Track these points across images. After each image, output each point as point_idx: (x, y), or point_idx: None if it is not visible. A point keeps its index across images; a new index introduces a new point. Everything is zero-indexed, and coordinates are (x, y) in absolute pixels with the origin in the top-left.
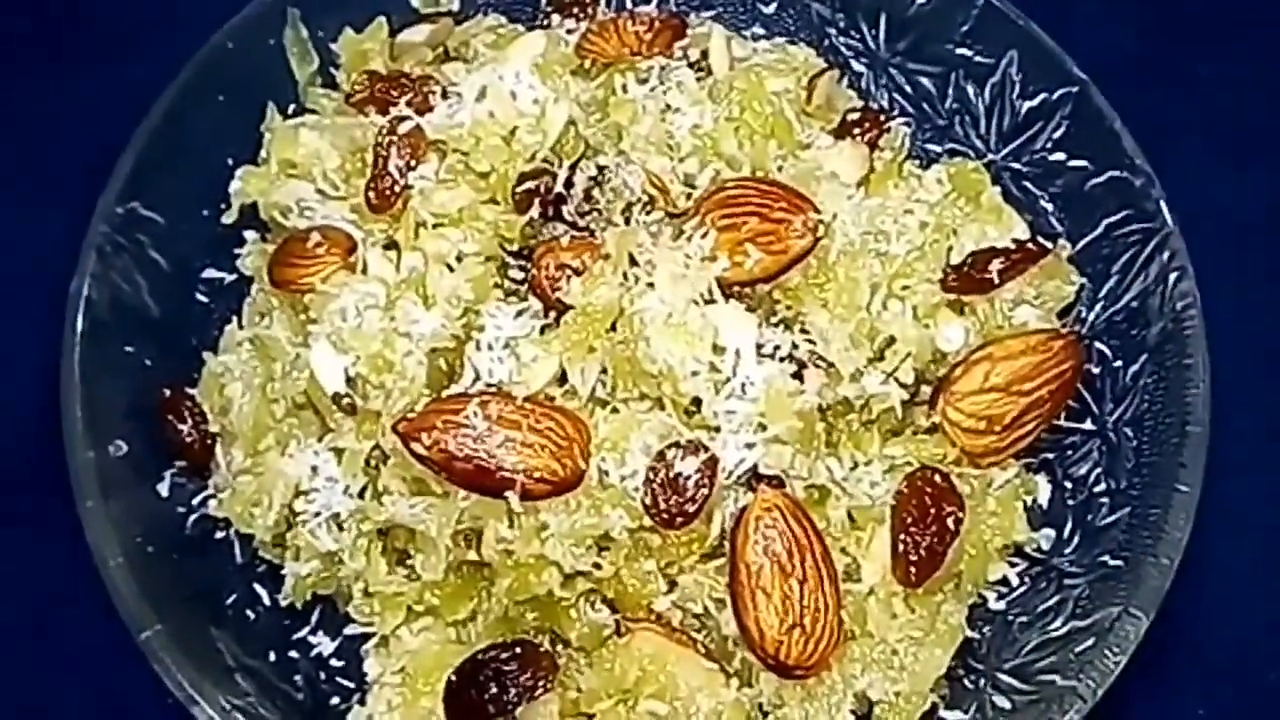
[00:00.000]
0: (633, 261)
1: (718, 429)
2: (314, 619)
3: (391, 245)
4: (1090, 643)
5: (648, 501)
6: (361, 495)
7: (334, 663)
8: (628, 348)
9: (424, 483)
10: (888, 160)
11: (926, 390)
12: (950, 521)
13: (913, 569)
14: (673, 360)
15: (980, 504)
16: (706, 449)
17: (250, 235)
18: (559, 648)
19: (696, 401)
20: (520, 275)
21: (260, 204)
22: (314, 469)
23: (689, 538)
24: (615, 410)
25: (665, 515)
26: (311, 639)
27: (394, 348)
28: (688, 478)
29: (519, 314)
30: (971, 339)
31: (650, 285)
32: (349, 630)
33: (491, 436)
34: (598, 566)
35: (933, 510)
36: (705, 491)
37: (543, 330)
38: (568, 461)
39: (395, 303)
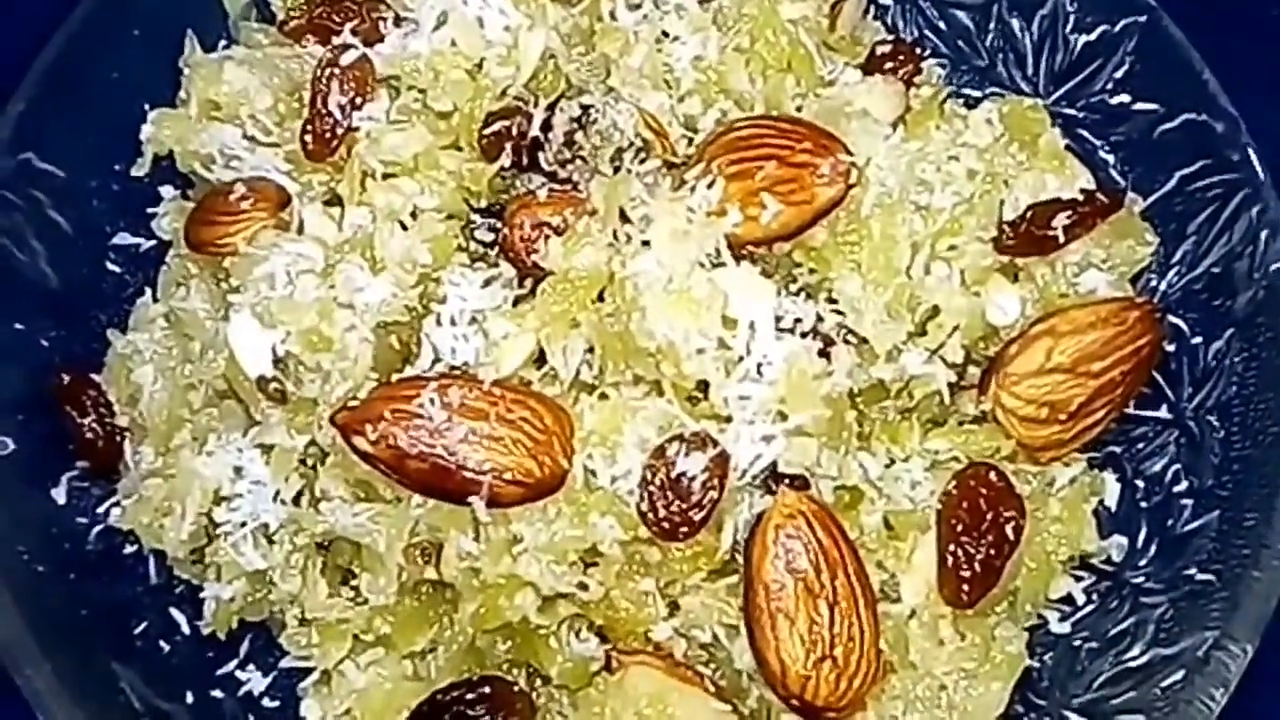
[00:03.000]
0: (624, 218)
1: (729, 419)
2: (242, 651)
3: (334, 201)
4: (1178, 676)
5: (644, 507)
6: (296, 502)
7: (266, 703)
8: (619, 320)
9: (370, 486)
10: (926, 99)
11: (974, 373)
12: (1009, 529)
13: (964, 586)
14: (674, 334)
15: (1041, 507)
16: (715, 443)
17: (167, 192)
18: (537, 685)
19: (703, 386)
20: (489, 237)
21: (177, 154)
22: (237, 470)
23: (694, 551)
24: (604, 397)
25: (666, 524)
26: (240, 675)
27: (333, 321)
28: (693, 478)
29: (487, 282)
30: (1029, 310)
31: (646, 244)
32: (284, 664)
33: (452, 429)
34: (583, 587)
35: (988, 515)
36: (714, 495)
37: (516, 302)
38: (546, 459)
39: (335, 267)
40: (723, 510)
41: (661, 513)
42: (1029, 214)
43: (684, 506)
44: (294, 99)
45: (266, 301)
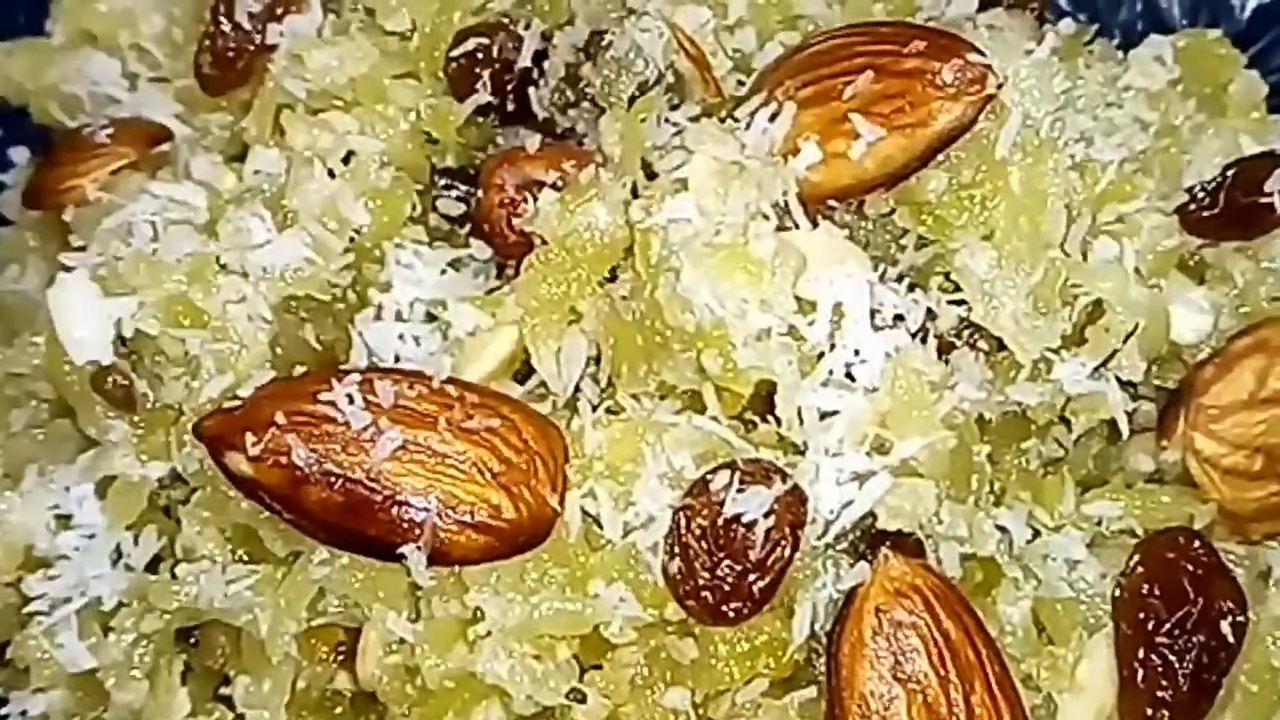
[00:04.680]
0: (648, 173)
1: (802, 449)
2: None
3: (240, 157)
4: None
5: (675, 571)
6: (152, 568)
7: None
8: (639, 299)
9: (253, 538)
10: (1069, 35)
11: (1148, 410)
12: (1226, 626)
13: (1162, 715)
14: (721, 307)
15: (1258, 603)
16: (785, 475)
17: (19, 155)
18: None
19: (765, 397)
20: (457, 210)
21: (31, 99)
22: (60, 519)
23: (751, 645)
24: (616, 411)
25: (708, 597)
26: None
27: (211, 289)
28: (751, 526)
29: (452, 266)
30: (1223, 323)
31: (682, 186)
32: None
33: (379, 441)
34: (579, 699)
35: (1196, 604)
36: (784, 553)
37: (491, 292)
38: (523, 492)
39: (224, 219)
40: (795, 582)
41: (702, 579)
42: (1229, 175)
43: (737, 569)
44: (197, 22)
45: (113, 260)
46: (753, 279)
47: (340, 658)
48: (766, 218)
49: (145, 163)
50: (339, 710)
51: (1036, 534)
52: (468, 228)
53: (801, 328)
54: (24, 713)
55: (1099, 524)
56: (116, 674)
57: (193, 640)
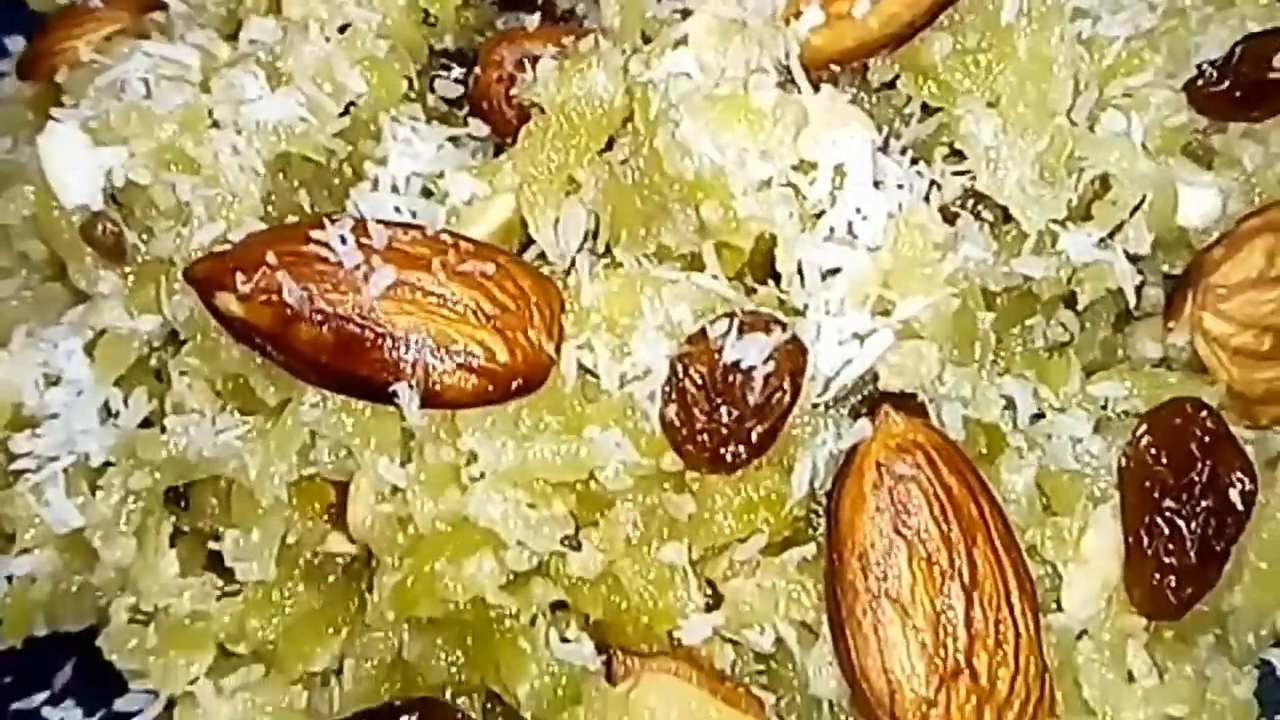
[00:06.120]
0: (647, 40)
1: (803, 311)
2: (57, 682)
3: (234, 35)
4: None
5: (673, 418)
6: (145, 425)
7: None
8: (639, 155)
9: (245, 391)
10: None
11: (1154, 296)
12: (1235, 494)
13: (1170, 584)
14: (722, 156)
15: (1266, 489)
16: (784, 325)
17: (16, 45)
18: (496, 716)
19: (767, 265)
20: (455, 92)
21: None
22: (46, 376)
23: (748, 499)
24: (616, 264)
25: (705, 440)
26: (49, 714)
27: (203, 139)
28: (749, 373)
29: (451, 142)
30: (1231, 205)
31: (683, 43)
32: (120, 704)
33: (371, 279)
34: (574, 547)
35: (1204, 471)
36: (783, 398)
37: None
38: (518, 337)
39: (218, 76)
40: (794, 439)
41: (700, 425)
42: (1238, 52)
43: (735, 414)
44: None
45: (105, 112)
46: (753, 128)
47: (332, 519)
48: (767, 73)
49: (139, 28)
50: (331, 578)
51: (1041, 415)
52: (466, 109)
53: (803, 186)
54: (10, 576)
55: (1105, 406)
56: (104, 531)
57: (182, 505)
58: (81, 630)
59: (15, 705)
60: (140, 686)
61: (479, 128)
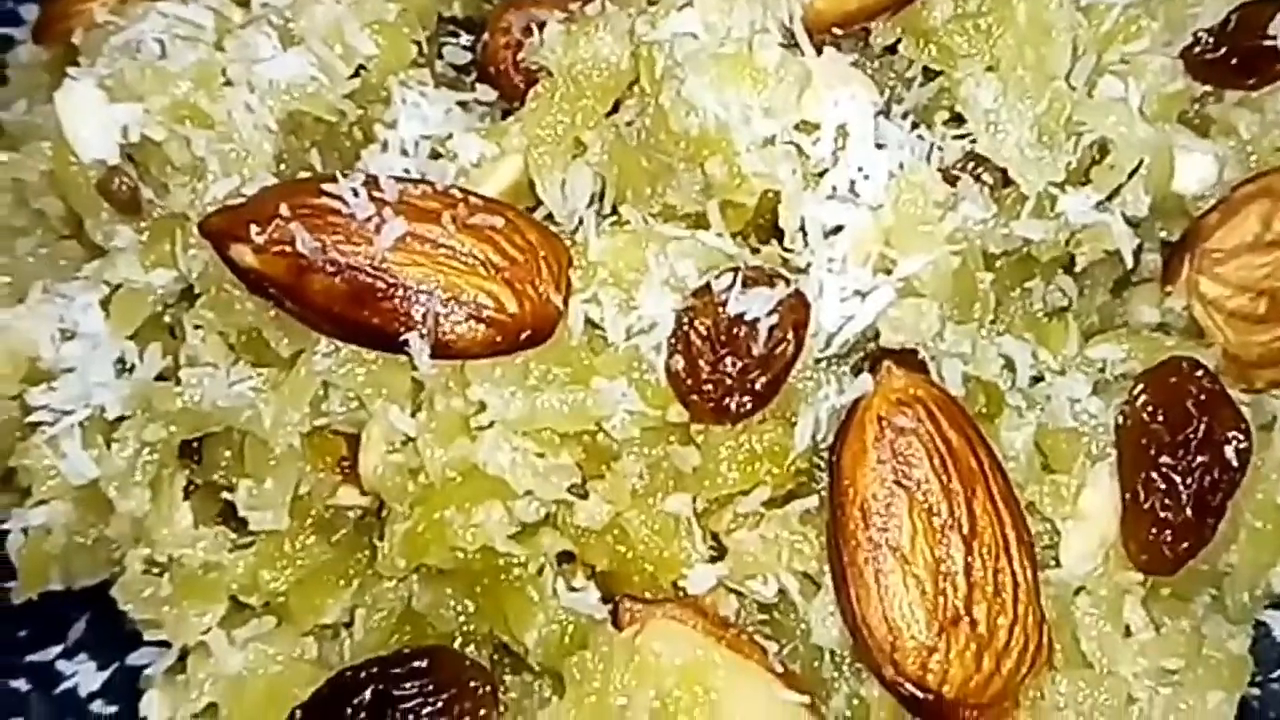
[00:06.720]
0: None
1: (805, 269)
2: (71, 635)
3: (248, 4)
4: None
5: (679, 368)
6: (160, 378)
7: (96, 708)
8: (644, 115)
9: (259, 344)
10: None
11: (1152, 261)
12: (1230, 451)
13: (1165, 538)
14: (726, 113)
15: (1261, 452)
16: (787, 280)
17: (30, 13)
18: (504, 665)
19: (770, 225)
20: (464, 58)
21: None
22: (63, 330)
23: (752, 450)
24: (622, 222)
25: (710, 391)
26: (63, 667)
27: (216, 95)
28: (754, 325)
29: (460, 106)
30: (1228, 173)
31: (688, 4)
32: (133, 658)
33: (383, 230)
34: (581, 495)
35: (1199, 427)
36: (787, 349)
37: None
38: (526, 289)
39: (231, 35)
40: (797, 393)
41: (705, 375)
42: (1234, 18)
43: (740, 365)
44: None
45: (121, 70)
46: (757, 86)
47: (344, 470)
48: (770, 33)
49: None
50: (342, 531)
51: (1040, 379)
52: (474, 75)
53: (805, 146)
54: (25, 529)
55: (1103, 369)
56: (119, 483)
57: (196, 460)
58: (95, 585)
59: (30, 658)
60: (154, 637)
61: (486, 93)
